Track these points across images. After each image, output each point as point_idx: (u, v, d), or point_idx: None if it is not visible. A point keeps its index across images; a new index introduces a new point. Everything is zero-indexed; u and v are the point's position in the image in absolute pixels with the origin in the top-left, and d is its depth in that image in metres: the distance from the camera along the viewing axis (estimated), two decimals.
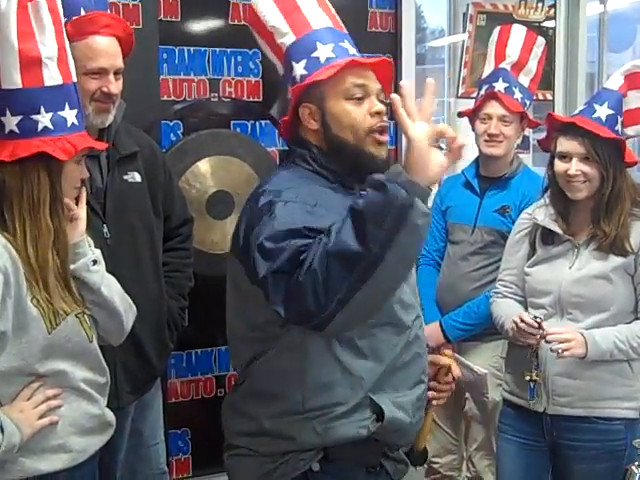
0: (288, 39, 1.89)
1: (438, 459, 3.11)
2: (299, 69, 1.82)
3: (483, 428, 3.00)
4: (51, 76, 1.68)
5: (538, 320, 2.23)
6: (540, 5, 4.18)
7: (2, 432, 1.60)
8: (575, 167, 2.23)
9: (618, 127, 2.23)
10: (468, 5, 4.12)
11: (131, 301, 1.91)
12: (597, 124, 2.21)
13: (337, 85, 1.78)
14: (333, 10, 2.01)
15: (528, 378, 2.27)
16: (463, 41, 4.13)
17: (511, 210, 2.81)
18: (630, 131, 2.26)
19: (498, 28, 2.98)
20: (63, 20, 2.08)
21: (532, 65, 2.93)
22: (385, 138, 1.78)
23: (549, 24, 4.16)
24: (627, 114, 2.25)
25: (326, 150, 1.79)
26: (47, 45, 1.67)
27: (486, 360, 2.83)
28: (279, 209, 1.62)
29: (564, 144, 2.26)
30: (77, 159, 1.74)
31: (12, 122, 1.64)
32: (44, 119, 1.66)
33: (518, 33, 2.95)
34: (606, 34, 5.76)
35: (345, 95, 1.77)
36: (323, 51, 1.82)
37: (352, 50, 1.90)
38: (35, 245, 1.65)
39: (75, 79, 1.75)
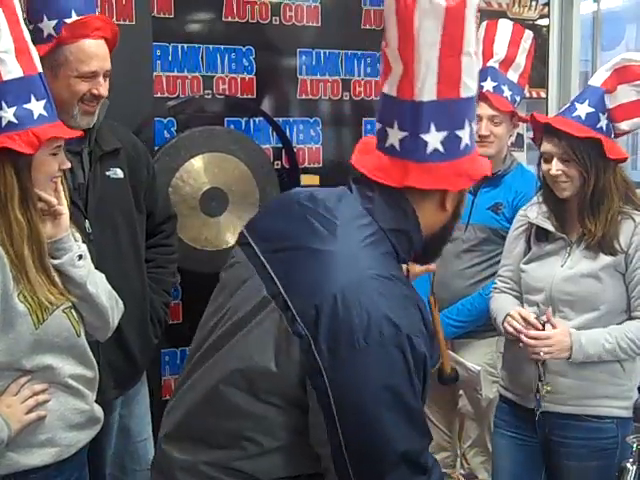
0: (473, 89, 1.47)
1: None
2: (467, 137, 1.46)
3: (477, 425, 3.00)
4: (9, 70, 1.65)
5: (542, 320, 2.23)
6: (534, 3, 4.18)
7: None
8: (555, 167, 2.23)
9: (601, 124, 2.20)
10: None
11: (118, 298, 1.91)
12: (576, 123, 2.19)
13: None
14: None
15: (536, 390, 2.26)
16: None
17: (504, 207, 2.81)
18: (624, 125, 2.22)
19: (485, 24, 2.97)
20: (57, 20, 2.10)
21: (520, 60, 2.92)
22: None
23: (543, 22, 4.16)
24: (619, 108, 2.21)
25: (428, 234, 1.49)
26: (1, 40, 1.65)
27: (480, 357, 2.84)
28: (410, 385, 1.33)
29: (544, 145, 2.27)
30: (51, 150, 1.72)
31: None
32: (7, 114, 1.64)
33: (505, 28, 2.93)
34: (600, 33, 5.77)
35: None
36: (467, 133, 1.46)
37: None
38: (10, 240, 1.65)
39: (40, 69, 1.73)
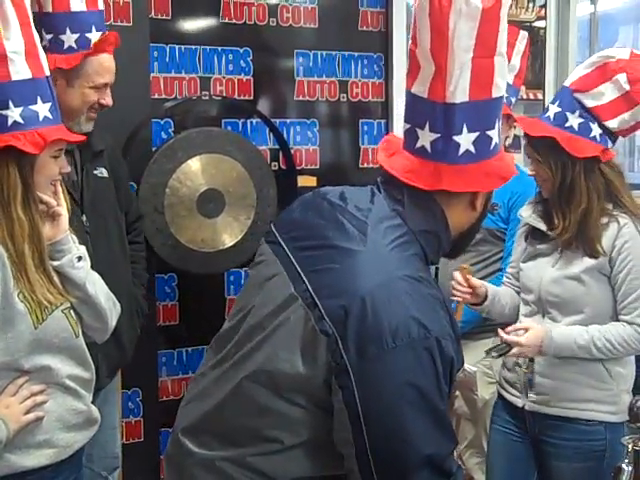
0: (503, 89, 1.45)
1: None
2: (496, 136, 1.46)
3: (473, 426, 3.01)
4: (18, 70, 1.66)
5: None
6: (531, 5, 4.19)
7: None
8: (529, 169, 2.27)
9: (571, 123, 2.17)
10: None
11: (115, 299, 1.91)
12: (543, 123, 2.19)
13: None
14: None
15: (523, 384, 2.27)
16: None
17: (499, 208, 2.82)
18: (613, 123, 2.18)
19: None
20: (79, 34, 2.17)
21: (515, 61, 2.91)
22: None
23: (540, 24, 4.17)
24: (604, 107, 2.17)
25: (456, 234, 1.50)
26: (12, 40, 1.66)
27: (475, 358, 2.84)
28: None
29: (525, 147, 2.30)
30: (52, 153, 1.73)
31: None
32: (13, 114, 1.65)
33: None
34: (596, 34, 5.78)
35: None
36: (496, 134, 1.47)
37: None
38: (12, 239, 1.65)
39: (48, 73, 1.74)
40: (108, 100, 2.36)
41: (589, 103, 2.16)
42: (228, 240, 2.88)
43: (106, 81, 2.34)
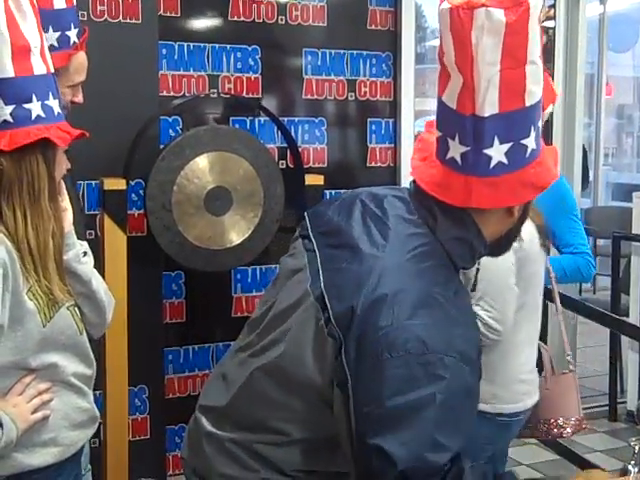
0: (538, 95, 1.40)
1: None
2: (533, 143, 1.40)
3: None
4: (37, 65, 1.67)
5: None
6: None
7: (1, 428, 1.60)
8: None
9: None
10: None
11: (111, 295, 1.91)
12: None
13: None
14: None
15: None
16: None
17: None
18: None
19: None
20: (78, 29, 2.15)
21: None
22: None
23: (549, 24, 4.17)
24: None
25: (492, 240, 1.47)
26: (32, 35, 1.66)
27: None
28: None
29: None
30: (64, 149, 1.74)
31: (6, 111, 1.63)
32: (36, 107, 1.65)
33: None
34: (606, 35, 5.78)
35: None
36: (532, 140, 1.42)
37: None
38: (37, 232, 1.65)
39: (53, 70, 1.75)
40: (80, 98, 2.26)
41: None
42: (235, 238, 2.88)
43: (82, 79, 2.24)
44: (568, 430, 2.48)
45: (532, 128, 1.39)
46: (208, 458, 1.50)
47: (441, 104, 1.40)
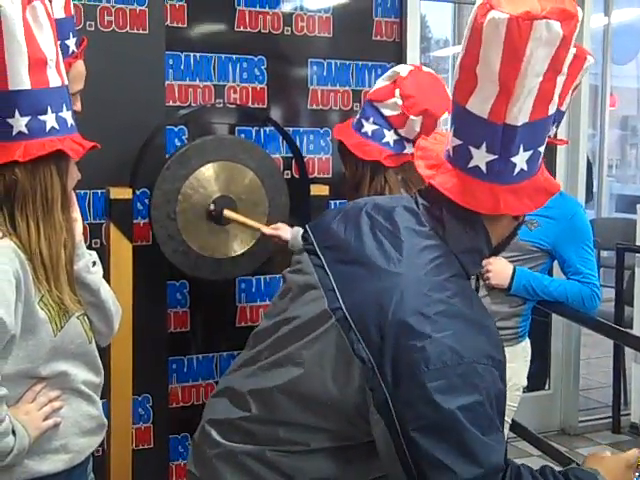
0: (552, 108, 1.42)
1: None
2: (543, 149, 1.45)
3: None
4: (53, 78, 1.69)
5: None
6: None
7: (14, 435, 1.61)
8: None
9: (366, 129, 2.36)
10: None
11: (119, 305, 1.92)
12: (350, 129, 2.42)
13: None
14: None
15: None
16: None
17: (538, 225, 2.76)
18: (403, 132, 2.34)
19: None
20: (76, 38, 2.15)
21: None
22: None
23: None
24: (399, 116, 2.32)
25: (498, 242, 1.51)
26: (48, 47, 1.68)
27: None
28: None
29: None
30: (75, 160, 1.75)
31: (21, 123, 1.64)
32: (50, 119, 1.67)
33: None
34: (610, 46, 5.78)
35: None
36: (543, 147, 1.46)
37: None
38: (49, 243, 1.66)
39: (67, 82, 1.77)
40: (78, 106, 2.21)
41: (385, 112, 2.34)
42: (239, 248, 2.89)
43: (81, 87, 2.21)
44: None
45: (546, 136, 1.42)
46: (217, 470, 1.49)
47: (466, 113, 1.39)
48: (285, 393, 1.42)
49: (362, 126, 2.36)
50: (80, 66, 2.18)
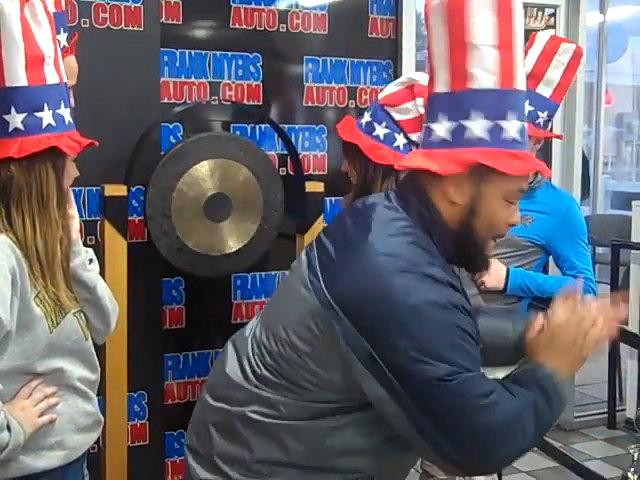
0: (486, 79, 1.48)
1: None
2: (479, 128, 1.48)
3: None
4: (50, 75, 1.70)
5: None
6: (540, 14, 4.20)
7: (9, 431, 1.61)
8: (343, 165, 2.55)
9: (378, 132, 2.38)
10: None
11: (115, 302, 1.93)
12: (357, 129, 2.44)
13: (509, 181, 1.51)
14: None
15: None
16: None
17: (533, 221, 2.77)
18: (414, 137, 2.35)
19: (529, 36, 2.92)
20: (67, 33, 2.14)
21: (554, 74, 2.85)
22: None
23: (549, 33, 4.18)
24: (410, 121, 2.35)
25: (453, 231, 1.54)
26: (46, 44, 1.69)
27: None
28: (434, 316, 1.41)
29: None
30: (73, 157, 1.76)
31: (17, 119, 1.65)
32: (47, 116, 1.67)
33: (539, 41, 2.89)
34: (605, 44, 5.79)
35: (507, 195, 1.53)
36: (512, 127, 1.49)
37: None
38: (45, 240, 1.67)
39: (66, 79, 1.77)
40: (71, 102, 2.27)
41: (396, 116, 2.36)
42: (234, 244, 2.89)
43: (73, 83, 2.18)
44: None
45: (477, 114, 1.48)
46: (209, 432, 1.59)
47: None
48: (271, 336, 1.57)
49: (374, 129, 2.38)
50: (72, 62, 2.17)
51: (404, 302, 1.39)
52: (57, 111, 1.69)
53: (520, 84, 1.52)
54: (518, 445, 1.44)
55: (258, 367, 1.56)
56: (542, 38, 2.86)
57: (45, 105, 1.67)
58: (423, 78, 2.38)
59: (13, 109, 1.65)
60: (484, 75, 1.46)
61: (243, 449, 1.53)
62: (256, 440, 1.52)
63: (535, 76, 2.80)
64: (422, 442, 1.42)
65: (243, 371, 1.59)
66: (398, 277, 1.41)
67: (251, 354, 1.59)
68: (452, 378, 1.37)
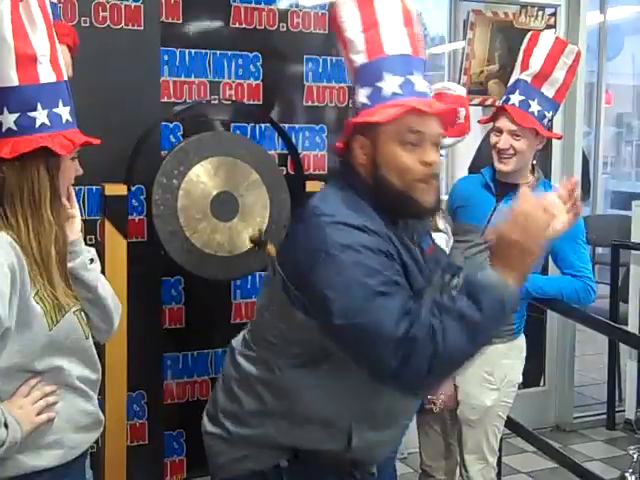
0: (360, 58, 1.75)
1: (432, 463, 3.11)
2: (362, 96, 1.74)
3: (474, 432, 3.00)
4: (45, 73, 1.69)
5: None
6: (540, 13, 4.20)
7: (6, 428, 1.61)
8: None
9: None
10: (469, 12, 4.14)
11: (118, 301, 1.92)
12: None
13: (392, 127, 1.67)
14: (417, 28, 1.80)
15: None
16: (463, 48, 4.15)
17: None
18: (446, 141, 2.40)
19: (529, 35, 2.93)
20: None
21: (558, 75, 2.86)
22: (434, 185, 1.71)
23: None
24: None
25: (371, 186, 1.72)
26: (40, 43, 1.68)
27: (477, 366, 2.83)
28: (359, 253, 1.59)
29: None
30: (72, 156, 1.75)
31: (10, 120, 1.65)
32: (41, 116, 1.67)
33: (545, 42, 2.89)
34: (605, 44, 5.78)
35: (399, 139, 1.67)
36: (390, 83, 1.70)
37: (421, 85, 1.73)
38: (38, 240, 1.67)
39: (66, 77, 1.76)
40: None
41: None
42: (244, 244, 2.86)
43: (70, 75, 2.11)
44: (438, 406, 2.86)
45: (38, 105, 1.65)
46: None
47: None
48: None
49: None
50: (65, 55, 2.15)
51: (315, 245, 1.60)
52: (54, 110, 1.68)
53: (389, 50, 1.72)
54: (446, 352, 1.54)
55: (246, 334, 1.90)
56: (547, 38, 2.86)
57: (38, 105, 1.66)
58: (459, 89, 2.58)
59: (5, 109, 1.64)
60: (358, 57, 1.73)
61: (236, 404, 1.82)
62: (243, 395, 1.81)
63: (542, 76, 2.81)
64: (364, 364, 1.59)
65: (243, 339, 1.92)
66: (318, 228, 1.63)
67: (248, 328, 1.93)
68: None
